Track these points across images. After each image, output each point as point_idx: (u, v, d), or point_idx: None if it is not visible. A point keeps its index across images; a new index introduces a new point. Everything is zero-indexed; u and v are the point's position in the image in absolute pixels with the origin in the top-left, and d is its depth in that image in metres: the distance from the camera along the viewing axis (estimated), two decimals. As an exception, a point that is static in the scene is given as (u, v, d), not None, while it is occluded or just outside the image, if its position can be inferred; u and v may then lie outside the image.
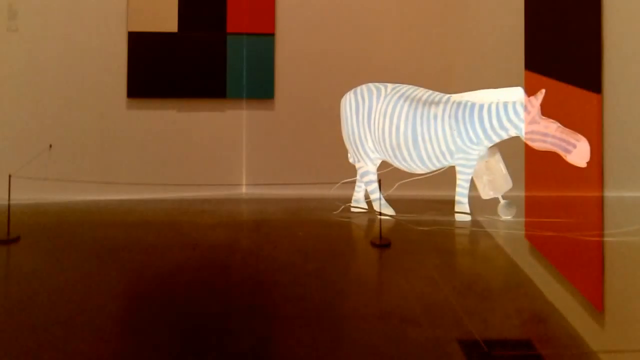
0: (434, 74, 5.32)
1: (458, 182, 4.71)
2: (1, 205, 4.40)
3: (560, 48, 3.48)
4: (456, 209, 4.75)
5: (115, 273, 3.81)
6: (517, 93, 4.45)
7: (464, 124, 4.63)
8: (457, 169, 4.72)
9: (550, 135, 4.05)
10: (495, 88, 4.69)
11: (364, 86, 4.96)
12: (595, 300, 2.99)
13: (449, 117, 4.66)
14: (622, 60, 2.88)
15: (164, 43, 5.68)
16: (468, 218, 4.73)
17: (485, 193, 4.77)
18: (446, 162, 4.76)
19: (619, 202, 2.90)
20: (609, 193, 2.98)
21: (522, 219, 4.37)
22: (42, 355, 2.74)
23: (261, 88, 5.74)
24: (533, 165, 4.00)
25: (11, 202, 4.32)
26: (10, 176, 4.41)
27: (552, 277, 3.46)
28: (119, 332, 3.11)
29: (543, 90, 4.08)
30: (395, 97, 4.83)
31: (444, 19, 5.68)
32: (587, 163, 3.31)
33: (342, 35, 5.74)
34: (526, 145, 4.14)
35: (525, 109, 4.36)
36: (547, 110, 3.92)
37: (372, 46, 5.70)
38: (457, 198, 4.72)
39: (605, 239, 2.96)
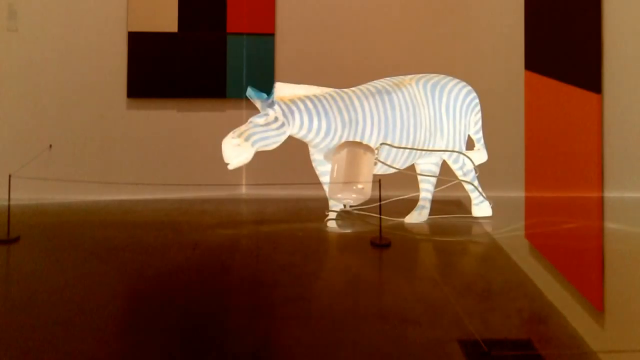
0: (434, 73, 5.30)
1: None
2: (1, 206, 4.39)
3: (560, 48, 3.48)
4: None
5: (115, 273, 3.81)
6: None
7: None
8: None
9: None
10: (494, 88, 4.66)
11: None
12: (595, 300, 2.99)
13: None
14: (622, 60, 2.89)
15: (164, 43, 5.67)
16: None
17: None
18: None
19: (619, 202, 2.90)
20: (609, 193, 2.98)
21: (522, 219, 4.37)
22: (42, 355, 2.73)
23: (261, 88, 5.73)
24: (533, 165, 3.99)
25: (11, 202, 4.32)
26: (10, 176, 4.41)
27: (552, 277, 3.46)
28: (119, 332, 3.10)
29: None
30: None
31: (444, 19, 5.67)
32: (587, 163, 3.30)
33: (342, 35, 5.73)
34: (526, 146, 4.12)
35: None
36: (548, 110, 3.92)
37: (372, 46, 5.69)
38: None
39: (606, 238, 2.95)
